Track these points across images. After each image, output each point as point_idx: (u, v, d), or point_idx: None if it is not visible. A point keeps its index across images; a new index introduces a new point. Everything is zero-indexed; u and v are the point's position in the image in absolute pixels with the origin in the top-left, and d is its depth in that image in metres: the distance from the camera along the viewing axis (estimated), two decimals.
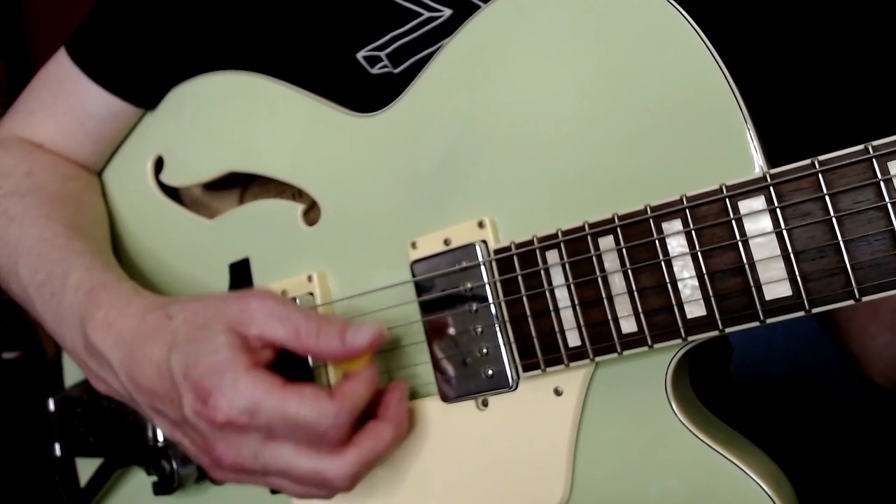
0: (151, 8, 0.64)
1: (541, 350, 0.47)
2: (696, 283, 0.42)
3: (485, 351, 0.49)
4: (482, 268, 0.49)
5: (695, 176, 0.43)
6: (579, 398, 0.47)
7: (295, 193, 0.62)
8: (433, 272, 0.51)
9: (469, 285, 0.49)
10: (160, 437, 0.64)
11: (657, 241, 0.43)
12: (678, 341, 0.43)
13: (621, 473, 0.47)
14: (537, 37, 0.47)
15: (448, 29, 0.52)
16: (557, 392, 0.48)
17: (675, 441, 0.45)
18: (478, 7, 0.51)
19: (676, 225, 0.42)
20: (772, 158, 0.42)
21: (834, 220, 0.39)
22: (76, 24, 0.68)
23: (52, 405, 0.74)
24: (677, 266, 0.42)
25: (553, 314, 0.46)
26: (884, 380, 0.59)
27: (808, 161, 0.39)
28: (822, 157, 0.39)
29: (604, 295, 0.44)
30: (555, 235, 0.46)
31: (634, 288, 0.44)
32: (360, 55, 0.61)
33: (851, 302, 0.39)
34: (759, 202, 0.40)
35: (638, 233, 0.43)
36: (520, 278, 0.47)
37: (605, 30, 0.45)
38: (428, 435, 0.52)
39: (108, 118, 0.67)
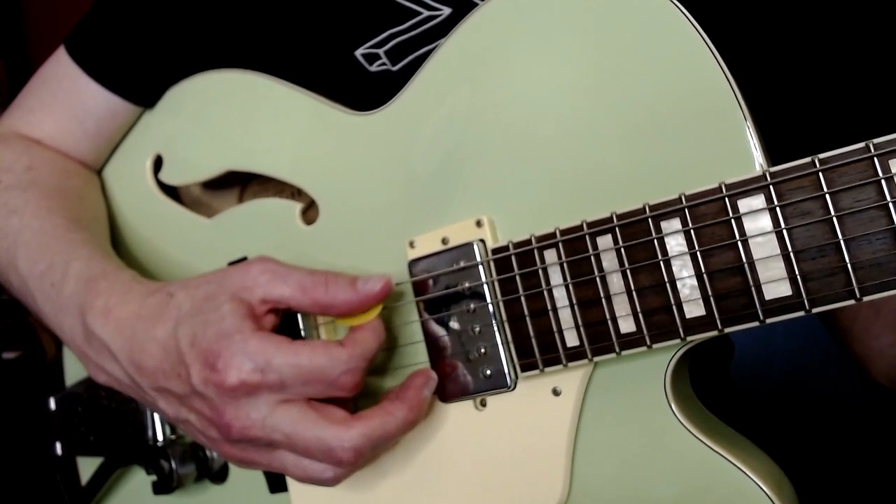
0: (150, 6, 0.64)
1: (539, 350, 0.47)
2: (695, 282, 0.42)
3: (483, 351, 0.49)
4: (480, 267, 0.48)
5: (694, 174, 0.42)
6: (578, 398, 0.47)
7: (294, 192, 0.62)
8: (431, 271, 0.51)
9: (467, 284, 0.49)
10: (160, 437, 0.64)
11: (656, 241, 0.42)
12: (677, 341, 0.42)
13: (620, 474, 0.47)
14: (535, 34, 0.47)
15: (447, 27, 0.51)
16: (556, 392, 0.48)
17: (674, 442, 0.45)
18: (476, 6, 0.50)
19: (675, 224, 0.42)
20: (772, 156, 0.41)
21: (834, 218, 0.38)
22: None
23: (53, 404, 0.74)
24: (676, 265, 0.42)
25: (551, 314, 0.46)
26: (886, 380, 0.59)
27: (808, 159, 0.39)
28: (822, 156, 0.38)
29: (602, 294, 0.44)
30: (553, 234, 0.46)
31: (633, 287, 0.43)
32: (358, 53, 0.61)
33: (852, 302, 0.38)
34: (758, 201, 0.40)
35: (636, 232, 0.43)
36: (518, 278, 0.47)
37: (604, 27, 0.45)
38: (426, 435, 0.52)
39: (106, 116, 0.67)
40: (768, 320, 0.40)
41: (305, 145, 0.58)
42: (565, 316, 0.46)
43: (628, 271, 0.43)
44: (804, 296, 0.39)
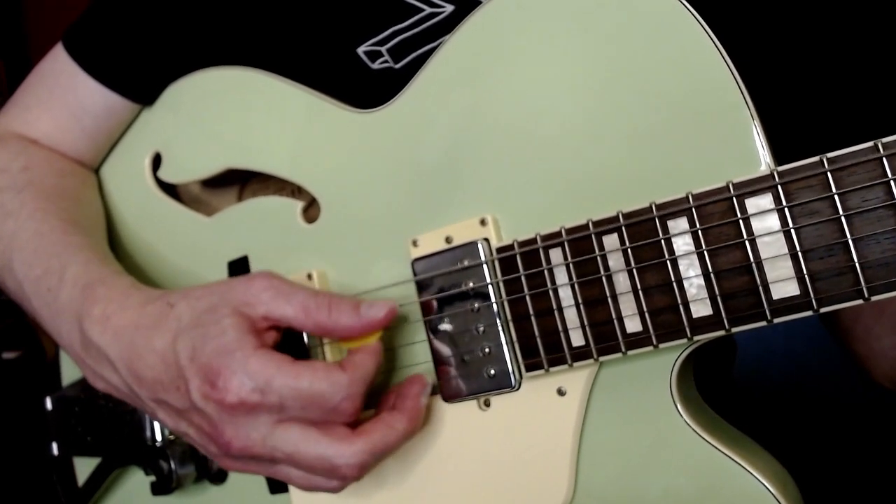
0: (149, 3, 0.64)
1: (544, 350, 0.46)
2: (702, 282, 0.41)
3: (487, 350, 0.49)
4: (484, 266, 0.48)
5: (701, 173, 0.42)
6: (583, 398, 0.47)
7: (294, 190, 0.61)
8: (434, 271, 0.50)
9: (471, 284, 0.49)
10: (158, 437, 0.64)
11: (663, 241, 0.42)
12: (684, 341, 0.42)
13: (625, 474, 0.47)
14: (539, 32, 0.47)
15: (450, 25, 0.51)
16: (561, 392, 0.47)
17: (680, 442, 0.45)
18: (480, 4, 0.50)
19: (682, 223, 0.42)
20: (779, 156, 0.41)
21: (843, 218, 0.38)
22: None
23: (49, 404, 0.73)
24: (683, 265, 0.42)
25: (556, 313, 0.46)
26: (888, 382, 0.59)
27: (816, 158, 0.39)
28: (830, 155, 0.38)
29: (608, 294, 0.44)
30: (558, 234, 0.45)
31: (639, 287, 0.43)
32: (360, 50, 0.60)
33: (860, 301, 0.38)
34: (766, 200, 0.40)
35: (643, 231, 0.43)
36: (523, 277, 0.47)
37: (609, 25, 0.44)
38: (429, 435, 0.52)
39: (104, 114, 0.66)
40: (776, 320, 0.40)
41: (306, 143, 0.57)
42: (571, 315, 0.45)
43: (635, 271, 0.43)
44: (812, 295, 0.39)
